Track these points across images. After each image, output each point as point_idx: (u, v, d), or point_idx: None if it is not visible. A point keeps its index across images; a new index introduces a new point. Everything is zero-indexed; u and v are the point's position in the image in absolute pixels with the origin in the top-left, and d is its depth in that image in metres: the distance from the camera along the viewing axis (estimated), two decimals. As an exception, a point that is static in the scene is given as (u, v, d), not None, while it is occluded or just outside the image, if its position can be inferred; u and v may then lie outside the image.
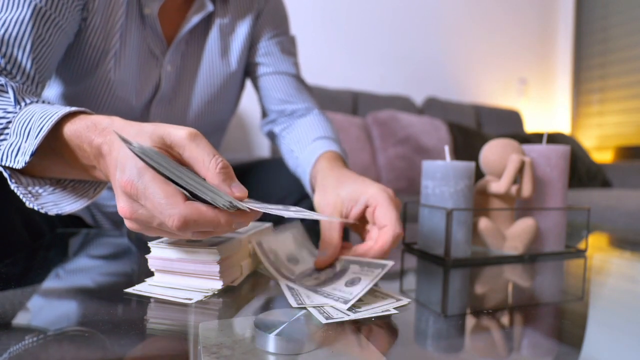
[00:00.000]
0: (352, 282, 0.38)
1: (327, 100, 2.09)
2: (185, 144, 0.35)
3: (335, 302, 0.35)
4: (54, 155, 0.44)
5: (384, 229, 0.46)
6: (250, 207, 0.33)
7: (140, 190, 0.32)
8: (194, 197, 0.33)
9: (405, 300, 0.38)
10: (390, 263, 0.40)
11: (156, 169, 0.32)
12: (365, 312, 0.34)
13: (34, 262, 0.52)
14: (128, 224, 0.36)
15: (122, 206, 0.34)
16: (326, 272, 0.43)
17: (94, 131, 0.40)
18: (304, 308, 0.35)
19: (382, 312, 0.35)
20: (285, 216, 0.33)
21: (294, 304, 0.36)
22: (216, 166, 0.34)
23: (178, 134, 0.35)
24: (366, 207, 0.49)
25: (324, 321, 0.32)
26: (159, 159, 0.31)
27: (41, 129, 0.41)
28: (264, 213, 0.34)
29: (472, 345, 0.32)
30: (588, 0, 2.99)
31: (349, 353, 0.28)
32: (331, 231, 0.48)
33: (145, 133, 0.35)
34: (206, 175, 0.34)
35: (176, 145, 0.35)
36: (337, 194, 0.51)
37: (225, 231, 0.34)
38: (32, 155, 0.42)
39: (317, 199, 0.54)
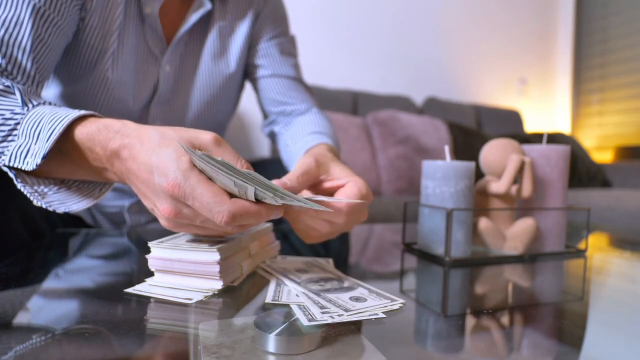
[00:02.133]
0: (357, 299, 0.37)
1: (327, 100, 2.09)
2: (212, 149, 0.38)
3: (337, 308, 0.34)
4: (62, 157, 0.45)
5: (346, 184, 0.46)
6: (293, 201, 0.35)
7: (187, 191, 0.34)
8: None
9: (397, 303, 0.36)
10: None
11: (214, 171, 0.34)
12: (353, 316, 0.33)
13: (34, 262, 0.52)
14: (165, 222, 0.38)
15: (166, 207, 0.36)
16: (332, 282, 0.43)
17: (106, 134, 0.41)
18: (282, 305, 0.35)
19: (369, 315, 0.33)
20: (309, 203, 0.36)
21: (269, 299, 0.36)
22: (241, 168, 0.37)
23: (205, 138, 0.38)
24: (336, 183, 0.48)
25: (306, 323, 0.30)
26: (222, 163, 0.34)
27: (52, 131, 0.42)
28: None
29: (472, 345, 0.32)
30: (588, 0, 2.99)
31: (349, 353, 0.27)
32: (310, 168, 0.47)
33: (171, 138, 0.37)
34: None
35: (203, 149, 0.38)
36: (315, 158, 0.49)
37: (264, 221, 0.37)
38: (43, 157, 0.42)
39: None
